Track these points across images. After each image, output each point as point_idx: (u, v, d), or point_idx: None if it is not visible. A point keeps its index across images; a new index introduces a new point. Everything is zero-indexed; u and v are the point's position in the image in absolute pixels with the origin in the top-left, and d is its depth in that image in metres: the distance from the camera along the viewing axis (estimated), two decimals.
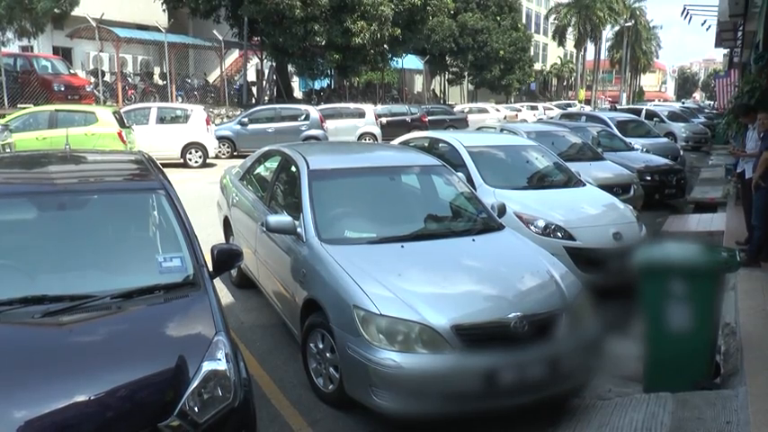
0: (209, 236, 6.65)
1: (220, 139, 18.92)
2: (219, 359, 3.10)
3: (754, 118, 7.79)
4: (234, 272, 6.72)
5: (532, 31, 62.88)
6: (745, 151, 8.24)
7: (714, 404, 4.02)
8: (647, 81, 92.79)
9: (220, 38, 27.39)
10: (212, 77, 31.86)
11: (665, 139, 17.57)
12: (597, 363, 4.54)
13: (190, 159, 17.25)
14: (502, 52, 47.24)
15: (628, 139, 13.90)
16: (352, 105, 25.23)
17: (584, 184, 8.24)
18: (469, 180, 7.35)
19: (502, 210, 5.80)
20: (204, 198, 9.34)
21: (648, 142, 15.04)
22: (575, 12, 62.33)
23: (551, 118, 24.60)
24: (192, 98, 26.89)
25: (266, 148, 7.27)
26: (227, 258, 3.84)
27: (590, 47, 66.74)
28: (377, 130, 22.70)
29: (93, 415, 2.78)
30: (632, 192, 9.70)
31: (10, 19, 20.28)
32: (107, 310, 3.31)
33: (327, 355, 4.42)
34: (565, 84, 75.45)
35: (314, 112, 20.99)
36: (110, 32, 24.35)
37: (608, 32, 69.14)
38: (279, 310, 5.55)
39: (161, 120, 17.73)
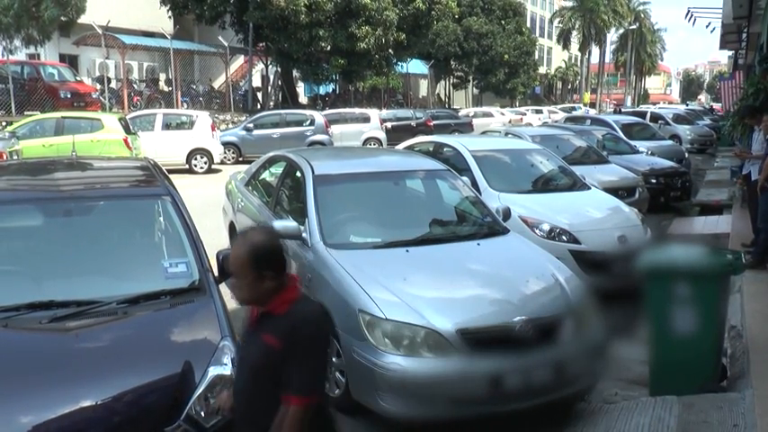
0: (215, 241, 6.65)
1: (226, 144, 18.97)
2: (226, 364, 3.11)
3: (760, 120, 7.78)
4: None
5: (537, 34, 62.84)
6: (750, 153, 8.22)
7: (721, 407, 4.01)
8: (652, 84, 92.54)
9: (225, 44, 27.48)
10: (217, 83, 31.97)
11: (669, 142, 17.53)
12: (603, 366, 4.53)
13: (195, 165, 17.31)
14: (506, 56, 47.26)
15: (633, 142, 13.88)
16: (356, 110, 25.28)
17: (589, 188, 8.23)
18: (474, 184, 7.34)
19: (507, 214, 5.80)
20: (209, 204, 9.36)
21: (653, 145, 15.01)
22: (579, 15, 62.30)
23: (556, 121, 24.58)
24: (197, 104, 27.00)
25: (271, 154, 7.30)
26: None
27: (594, 50, 66.78)
28: (382, 135, 22.73)
29: (100, 420, 2.80)
30: (637, 195, 9.67)
31: (17, 27, 20.44)
32: (113, 316, 3.33)
33: (333, 359, 4.43)
34: (569, 87, 75.39)
35: (319, 117, 21.02)
36: (115, 39, 24.50)
37: (612, 35, 69.20)
38: None
39: (166, 126, 17.80)
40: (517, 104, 51.97)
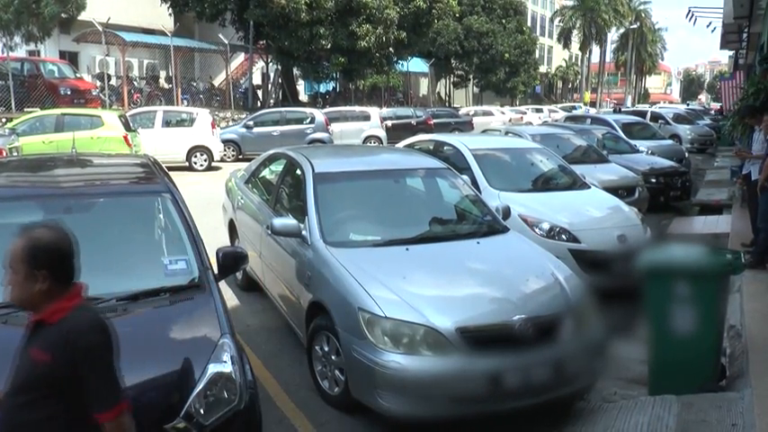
0: (215, 239, 6.66)
1: (226, 142, 18.94)
2: (225, 361, 3.11)
3: (760, 120, 7.78)
4: (239, 275, 6.73)
5: (537, 33, 62.77)
6: (750, 153, 8.22)
7: (719, 407, 4.01)
8: (653, 83, 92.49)
9: (226, 41, 27.45)
10: (218, 81, 31.93)
11: (669, 142, 17.54)
12: (602, 365, 4.54)
13: (195, 162, 17.28)
14: (507, 55, 47.23)
15: (633, 142, 13.88)
16: (357, 108, 25.25)
17: (589, 187, 8.23)
18: (474, 183, 7.35)
19: (506, 212, 5.81)
20: (209, 201, 9.36)
21: (653, 144, 15.02)
22: (580, 14, 62.30)
23: (556, 121, 24.56)
24: (197, 102, 26.98)
25: (271, 152, 7.30)
26: (232, 261, 3.86)
27: (595, 49, 66.78)
28: (382, 134, 22.72)
29: None
30: (637, 194, 9.68)
31: (18, 24, 20.42)
32: (113, 313, 3.32)
33: (333, 357, 4.43)
34: (570, 86, 75.37)
35: (319, 115, 21.01)
36: (116, 36, 24.46)
37: (613, 35, 69.23)
38: (284, 313, 5.57)
39: (166, 123, 17.77)
40: (517, 103, 51.93)
